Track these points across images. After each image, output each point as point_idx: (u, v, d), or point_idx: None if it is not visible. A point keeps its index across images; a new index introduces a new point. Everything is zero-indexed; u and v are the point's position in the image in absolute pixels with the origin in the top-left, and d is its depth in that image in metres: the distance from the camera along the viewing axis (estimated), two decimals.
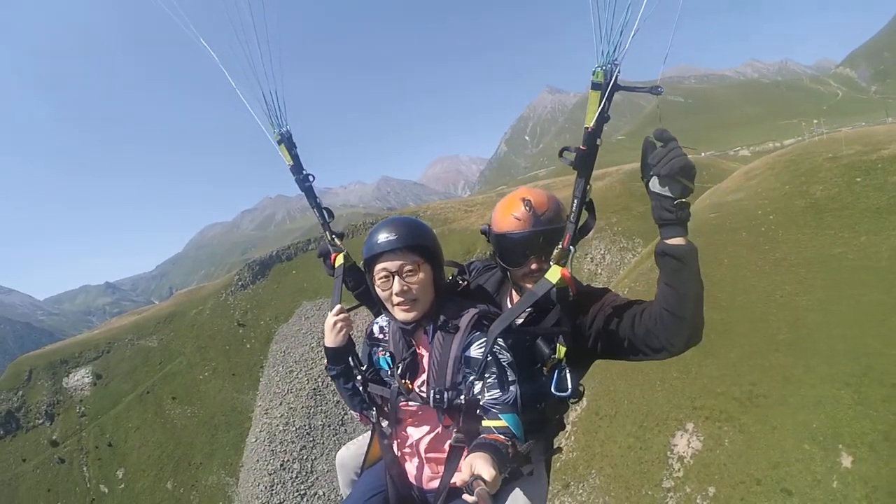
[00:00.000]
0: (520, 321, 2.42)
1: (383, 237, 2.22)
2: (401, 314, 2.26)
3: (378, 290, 2.28)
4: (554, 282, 2.09)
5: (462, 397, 2.16)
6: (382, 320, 2.56)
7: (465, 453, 2.16)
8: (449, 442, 2.26)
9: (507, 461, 1.92)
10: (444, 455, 2.30)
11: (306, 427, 63.24)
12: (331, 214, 3.06)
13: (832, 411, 17.28)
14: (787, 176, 28.17)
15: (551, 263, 2.14)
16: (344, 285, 2.92)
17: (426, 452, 2.40)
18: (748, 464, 18.26)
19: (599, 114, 1.88)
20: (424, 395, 2.25)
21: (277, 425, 64.22)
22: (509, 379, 2.16)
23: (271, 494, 58.30)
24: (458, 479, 1.73)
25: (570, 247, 2.12)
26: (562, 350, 2.25)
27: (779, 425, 18.21)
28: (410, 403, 2.33)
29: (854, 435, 16.41)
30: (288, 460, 60.73)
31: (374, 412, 2.49)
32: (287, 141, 2.89)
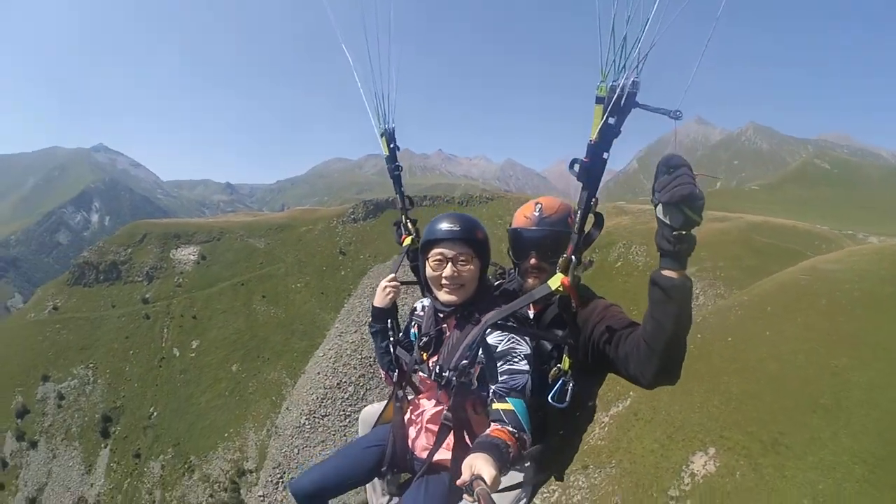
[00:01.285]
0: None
1: (446, 226, 2.49)
2: (445, 296, 2.51)
3: (429, 271, 2.53)
4: (553, 288, 2.14)
5: (461, 378, 2.31)
6: (426, 300, 2.86)
7: (449, 436, 2.39)
8: (440, 420, 2.42)
9: (507, 460, 1.94)
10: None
11: (371, 359, 66.20)
12: (411, 203, 3.45)
13: (841, 480, 18.79)
14: (888, 263, 28.53)
15: (557, 270, 2.17)
16: (408, 263, 3.26)
17: (428, 423, 2.60)
18: (749, 500, 20.21)
19: (602, 128, 1.88)
20: (432, 369, 2.48)
21: (346, 349, 68.87)
22: (522, 368, 2.28)
23: (320, 405, 63.05)
24: (458, 480, 1.75)
25: (573, 256, 2.13)
26: (567, 362, 2.32)
27: (790, 476, 20.06)
28: (422, 373, 2.60)
29: None
30: (345, 381, 65.09)
31: (395, 374, 2.76)
32: (389, 136, 3.28)
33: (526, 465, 2.54)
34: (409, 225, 3.33)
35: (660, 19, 1.66)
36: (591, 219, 2.13)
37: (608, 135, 1.90)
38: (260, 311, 78.37)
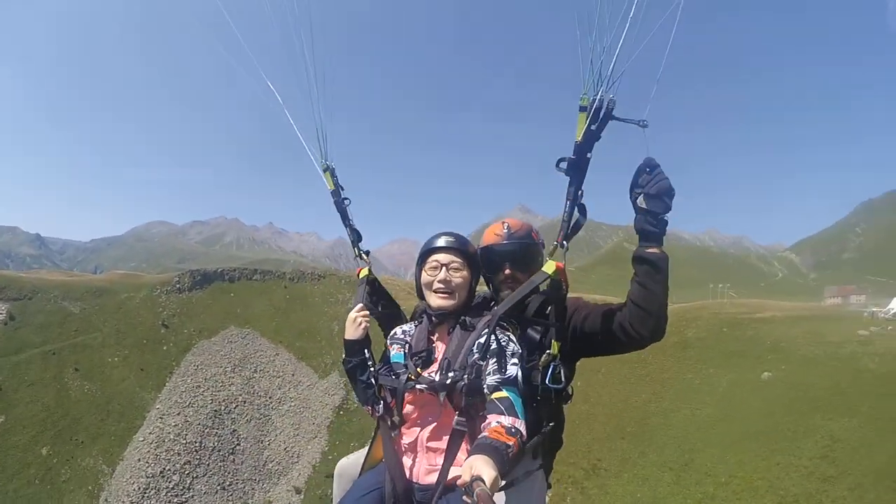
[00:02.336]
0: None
1: (443, 238, 2.77)
2: (438, 300, 2.67)
3: (424, 277, 2.75)
4: (550, 272, 2.41)
5: (466, 378, 2.36)
6: (406, 325, 3.00)
7: (465, 440, 2.38)
8: (452, 427, 2.39)
9: (507, 462, 1.95)
10: (444, 446, 2.43)
11: (197, 444, 63.49)
12: (360, 236, 3.43)
13: (655, 487, 22.96)
14: (672, 318, 35.46)
15: (547, 258, 2.50)
16: (369, 299, 3.25)
17: (427, 442, 2.53)
18: None
19: (586, 131, 2.25)
20: (435, 378, 2.49)
21: (169, 433, 64.06)
22: (512, 361, 2.44)
23: (143, 496, 57.62)
24: (458, 481, 1.77)
25: (564, 242, 2.45)
26: (556, 346, 2.52)
27: (612, 492, 23.55)
28: (418, 386, 2.52)
29: None
30: (169, 469, 60.42)
31: (381, 406, 2.69)
32: (331, 170, 3.39)
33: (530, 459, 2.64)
34: (364, 256, 3.42)
35: (629, 47, 2.14)
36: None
37: (591, 138, 2.29)
38: (73, 386, 68.81)
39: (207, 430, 65.29)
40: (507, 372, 2.39)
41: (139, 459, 60.51)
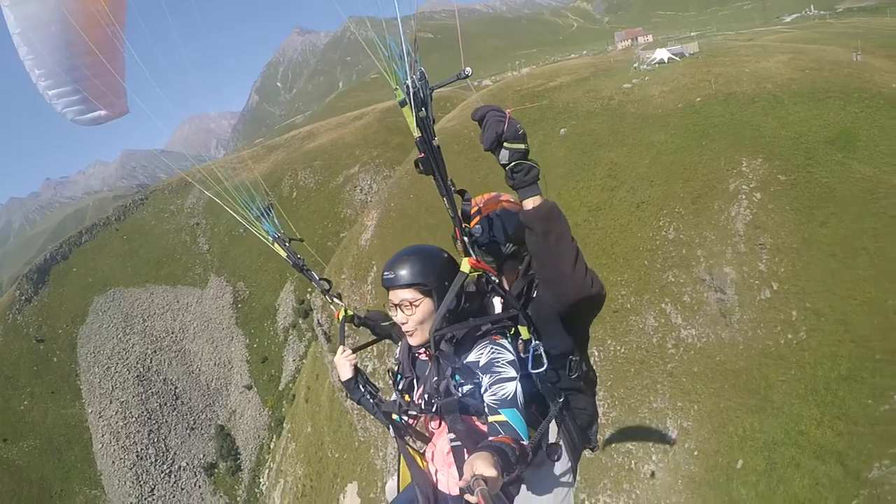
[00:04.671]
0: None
1: (386, 274, 2.51)
2: (411, 340, 2.59)
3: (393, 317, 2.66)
4: (467, 271, 2.29)
5: (444, 397, 2.35)
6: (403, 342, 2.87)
7: (465, 455, 2.30)
8: (451, 445, 2.40)
9: (511, 462, 1.90)
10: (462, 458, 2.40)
11: (145, 413, 65.20)
12: (329, 283, 3.54)
13: None
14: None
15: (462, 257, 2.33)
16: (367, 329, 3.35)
17: (448, 458, 2.53)
18: None
19: (418, 122, 2.04)
20: (420, 404, 2.49)
21: (117, 422, 64.85)
22: (508, 375, 2.28)
23: (140, 485, 60.53)
24: (459, 481, 1.72)
25: (464, 238, 2.29)
26: (524, 330, 2.41)
27: None
28: (410, 412, 2.62)
29: None
30: (142, 449, 62.82)
31: (391, 427, 2.78)
32: (280, 241, 3.54)
33: (557, 453, 2.47)
34: (337, 301, 3.42)
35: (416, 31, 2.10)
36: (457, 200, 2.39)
37: (427, 124, 2.07)
38: (13, 457, 65.03)
39: (143, 395, 66.87)
40: (502, 392, 2.25)
41: (113, 462, 62.44)
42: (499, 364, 2.34)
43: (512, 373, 2.31)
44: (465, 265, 2.30)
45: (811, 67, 29.52)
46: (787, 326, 19.47)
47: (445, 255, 2.58)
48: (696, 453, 19.32)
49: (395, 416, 2.74)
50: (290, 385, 62.46)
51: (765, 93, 27.63)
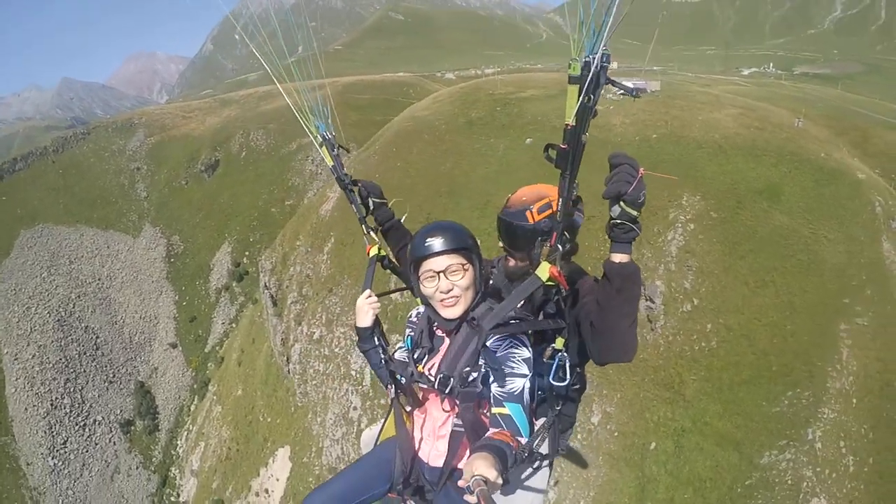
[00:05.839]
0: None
1: (429, 241, 2.47)
2: (445, 311, 2.52)
3: (423, 289, 2.55)
4: (544, 279, 2.24)
5: (465, 386, 2.37)
6: (420, 307, 2.86)
7: (463, 440, 2.43)
8: (450, 426, 2.50)
9: (509, 462, 1.93)
10: (449, 436, 2.53)
11: (62, 360, 62.69)
12: (368, 208, 3.29)
13: (468, 223, 33.64)
14: (459, 103, 44.72)
15: (540, 260, 2.30)
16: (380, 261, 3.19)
17: (439, 431, 2.64)
18: None
19: (580, 109, 1.85)
20: (432, 379, 2.51)
21: (33, 367, 62.13)
22: (520, 372, 2.34)
23: (53, 436, 58.17)
24: (459, 481, 1.76)
25: (558, 245, 2.25)
26: (560, 341, 2.45)
27: None
28: (422, 385, 2.61)
29: None
30: (56, 398, 60.44)
31: (393, 388, 2.78)
32: (329, 144, 3.21)
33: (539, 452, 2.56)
34: (372, 235, 3.27)
35: None
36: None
37: (586, 115, 1.89)
38: None
39: (63, 341, 64.30)
40: (510, 386, 2.30)
41: (26, 409, 59.76)
42: (514, 359, 2.38)
43: (525, 370, 2.36)
44: (545, 272, 2.27)
45: (756, 126, 33.28)
46: (702, 336, 23.25)
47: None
48: (616, 434, 22.67)
49: (398, 376, 2.75)
50: (217, 348, 61.86)
51: (711, 141, 31.19)
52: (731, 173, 28.65)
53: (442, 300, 2.51)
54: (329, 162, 3.29)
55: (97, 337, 66.49)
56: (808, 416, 20.56)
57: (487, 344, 2.42)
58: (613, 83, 1.94)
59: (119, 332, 68.36)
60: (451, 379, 2.41)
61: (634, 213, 2.06)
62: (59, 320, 65.78)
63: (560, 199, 2.18)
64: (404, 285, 3.18)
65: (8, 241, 72.44)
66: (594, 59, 1.79)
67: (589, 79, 1.81)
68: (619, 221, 2.08)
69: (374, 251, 3.20)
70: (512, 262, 2.82)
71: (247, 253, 67.64)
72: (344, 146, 3.42)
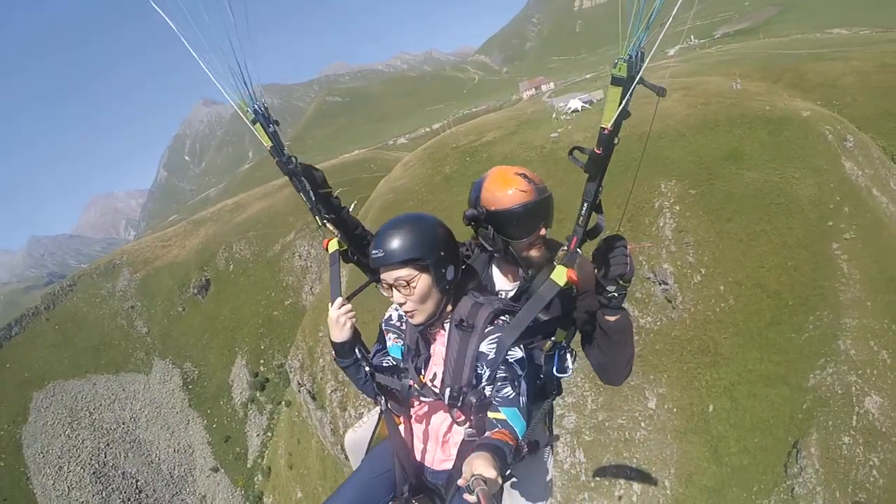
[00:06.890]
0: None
1: (375, 252, 2.29)
2: (410, 319, 2.44)
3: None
4: (561, 284, 2.22)
5: (475, 396, 2.30)
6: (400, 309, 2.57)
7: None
8: (458, 434, 2.46)
9: (508, 461, 1.95)
10: (459, 440, 2.48)
11: None
12: (322, 198, 2.84)
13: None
14: (430, 163, 47.49)
15: (555, 264, 2.27)
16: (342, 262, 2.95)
17: (443, 436, 2.57)
18: None
19: (620, 112, 1.82)
20: (438, 390, 2.41)
21: None
22: (516, 374, 2.30)
23: None
24: (459, 480, 1.76)
25: (578, 250, 2.23)
26: (562, 334, 2.55)
27: None
28: (424, 398, 2.48)
29: None
30: None
31: (383, 400, 2.64)
32: (264, 118, 2.74)
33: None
34: (329, 226, 2.87)
35: None
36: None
37: (620, 120, 1.87)
38: None
39: (102, 493, 63.52)
40: (505, 391, 2.26)
41: None
42: (509, 361, 2.31)
43: (518, 371, 2.31)
44: (562, 277, 2.23)
45: (701, 102, 36.36)
46: (719, 297, 25.36)
47: (436, 220, 2.43)
48: (674, 410, 24.34)
49: (394, 390, 2.59)
50: (259, 459, 61.24)
51: (669, 129, 33.86)
52: (694, 151, 31.35)
53: (402, 311, 2.44)
54: (266, 142, 2.78)
55: (137, 480, 65.74)
56: (835, 331, 22.77)
57: (481, 348, 2.34)
58: (643, 83, 1.85)
59: (157, 470, 67.50)
60: (463, 389, 2.34)
61: (628, 287, 2.25)
62: (94, 473, 65.01)
63: (585, 205, 2.16)
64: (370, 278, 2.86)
65: (23, 407, 71.99)
66: (635, 57, 1.77)
67: (638, 77, 1.78)
68: (616, 296, 2.26)
69: (333, 245, 2.95)
70: (543, 231, 2.59)
71: (262, 361, 67.98)
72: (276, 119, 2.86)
